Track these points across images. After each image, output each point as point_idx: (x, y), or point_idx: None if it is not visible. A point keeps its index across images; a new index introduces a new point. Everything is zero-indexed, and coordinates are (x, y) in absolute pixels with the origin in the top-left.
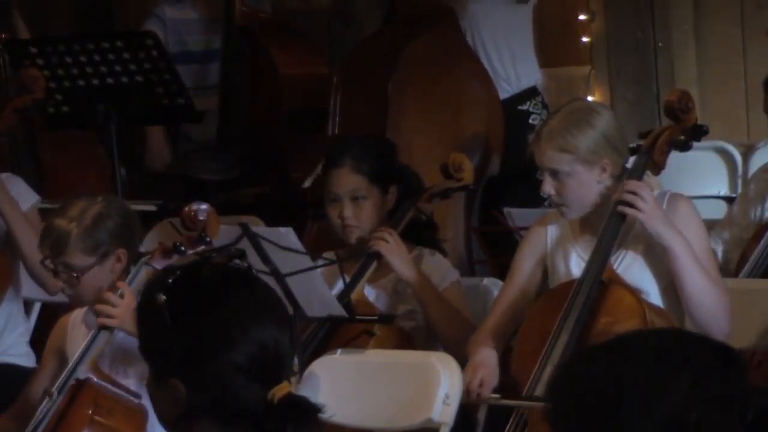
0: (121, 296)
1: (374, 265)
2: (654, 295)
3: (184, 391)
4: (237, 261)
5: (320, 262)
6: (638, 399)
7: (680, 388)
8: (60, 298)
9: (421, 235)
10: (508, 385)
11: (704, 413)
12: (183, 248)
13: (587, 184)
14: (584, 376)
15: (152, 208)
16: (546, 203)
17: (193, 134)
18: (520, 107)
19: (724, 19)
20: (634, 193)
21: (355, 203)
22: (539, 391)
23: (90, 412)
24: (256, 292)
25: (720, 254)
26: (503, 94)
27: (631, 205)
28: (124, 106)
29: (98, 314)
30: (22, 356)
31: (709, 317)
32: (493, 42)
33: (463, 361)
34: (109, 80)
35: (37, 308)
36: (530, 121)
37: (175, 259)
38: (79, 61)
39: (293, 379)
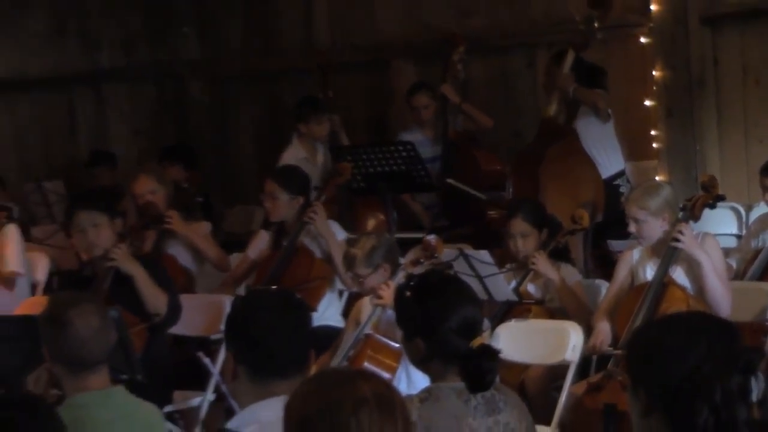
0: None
1: (532, 272)
2: (692, 292)
3: (423, 345)
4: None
5: (504, 269)
6: (675, 353)
7: (700, 348)
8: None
9: (561, 256)
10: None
11: (715, 365)
12: (422, 261)
13: (654, 228)
14: (646, 339)
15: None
16: (630, 237)
17: (421, 200)
18: (614, 182)
19: (735, 131)
20: (681, 232)
21: (523, 239)
22: None
23: (369, 351)
24: (462, 287)
25: (735, 267)
26: (604, 175)
27: (678, 239)
28: (395, 183)
29: (375, 297)
30: (337, 321)
31: (719, 302)
32: (594, 145)
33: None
34: (386, 168)
35: (345, 295)
36: (620, 190)
37: (418, 267)
38: (371, 158)
39: (485, 334)
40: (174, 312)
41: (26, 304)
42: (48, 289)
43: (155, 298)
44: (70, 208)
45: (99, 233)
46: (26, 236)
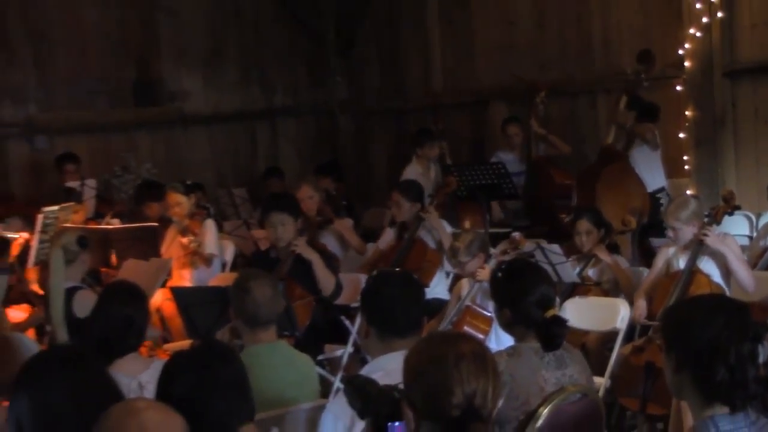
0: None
1: (593, 259)
2: (717, 277)
3: (509, 313)
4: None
5: (570, 259)
6: (700, 325)
7: (719, 322)
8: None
9: (612, 250)
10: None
11: (730, 334)
12: (509, 251)
13: (686, 232)
14: (677, 314)
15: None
16: (667, 238)
17: (507, 205)
18: (656, 196)
19: (748, 157)
20: (706, 233)
21: (587, 236)
22: None
23: (468, 318)
24: (539, 271)
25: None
26: (648, 189)
27: (703, 238)
28: (490, 193)
29: (474, 276)
30: (444, 295)
31: (744, 279)
32: (643, 166)
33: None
34: (483, 181)
35: (451, 275)
36: (660, 202)
37: (506, 256)
38: (472, 174)
39: (556, 307)
40: (339, 290)
41: (218, 278)
42: (233, 267)
43: (327, 279)
44: (265, 209)
45: (285, 230)
46: (219, 228)
